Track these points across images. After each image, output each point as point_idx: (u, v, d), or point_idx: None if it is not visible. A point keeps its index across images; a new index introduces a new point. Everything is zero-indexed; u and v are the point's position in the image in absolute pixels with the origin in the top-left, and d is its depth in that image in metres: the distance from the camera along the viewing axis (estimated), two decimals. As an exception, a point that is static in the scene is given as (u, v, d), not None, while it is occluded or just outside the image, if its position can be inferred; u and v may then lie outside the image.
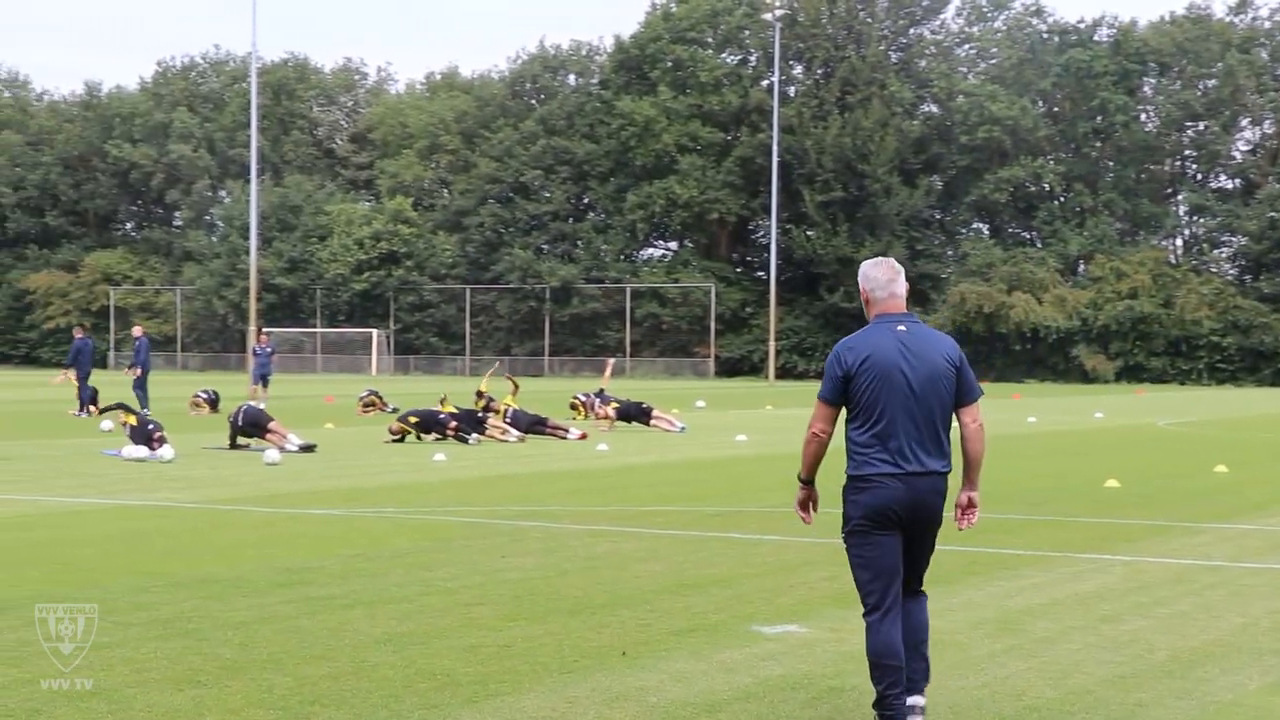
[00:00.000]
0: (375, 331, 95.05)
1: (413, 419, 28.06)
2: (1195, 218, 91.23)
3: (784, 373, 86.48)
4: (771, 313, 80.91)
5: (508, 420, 29.22)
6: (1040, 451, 27.13)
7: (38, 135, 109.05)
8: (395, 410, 35.63)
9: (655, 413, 32.17)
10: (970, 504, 7.34)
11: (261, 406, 38.85)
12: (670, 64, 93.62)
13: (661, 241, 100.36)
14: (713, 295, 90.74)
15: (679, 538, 14.19)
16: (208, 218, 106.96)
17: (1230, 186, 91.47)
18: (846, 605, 10.51)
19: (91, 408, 36.48)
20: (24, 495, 17.70)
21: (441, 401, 29.17)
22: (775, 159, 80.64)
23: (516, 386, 32.04)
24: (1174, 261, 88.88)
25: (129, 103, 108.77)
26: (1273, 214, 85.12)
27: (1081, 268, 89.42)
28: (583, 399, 35.63)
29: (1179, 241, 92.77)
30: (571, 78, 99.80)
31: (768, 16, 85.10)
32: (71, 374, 37.71)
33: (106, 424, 30.21)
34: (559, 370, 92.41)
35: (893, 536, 7.10)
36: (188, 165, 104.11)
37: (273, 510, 16.30)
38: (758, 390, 65.91)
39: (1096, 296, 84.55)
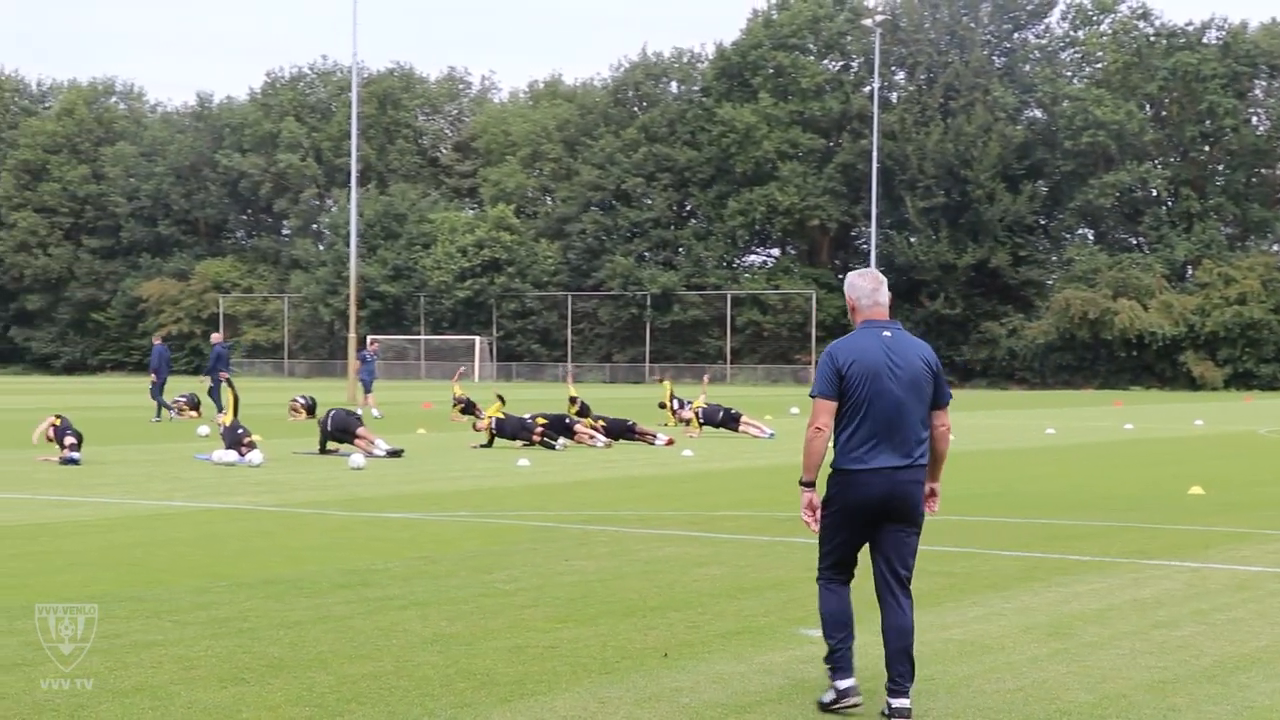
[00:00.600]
0: (478, 338, 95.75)
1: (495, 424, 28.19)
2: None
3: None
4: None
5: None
6: (1131, 459, 26.84)
7: (151, 146, 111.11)
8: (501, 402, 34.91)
9: (744, 419, 32.18)
10: (932, 493, 7.95)
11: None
12: (771, 70, 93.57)
13: (762, 248, 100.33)
14: (813, 302, 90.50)
15: (745, 542, 14.24)
16: (315, 226, 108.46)
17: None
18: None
19: (169, 411, 37.32)
20: (114, 498, 18.11)
21: (500, 400, 29.26)
22: (875, 165, 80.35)
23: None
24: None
25: (239, 113, 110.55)
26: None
27: (1189, 273, 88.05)
28: (676, 406, 35.64)
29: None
30: (673, 85, 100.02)
31: (867, 22, 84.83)
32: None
33: (204, 429, 30.79)
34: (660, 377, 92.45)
35: (864, 529, 7.74)
36: (295, 174, 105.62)
37: (349, 514, 16.56)
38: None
39: (1204, 302, 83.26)
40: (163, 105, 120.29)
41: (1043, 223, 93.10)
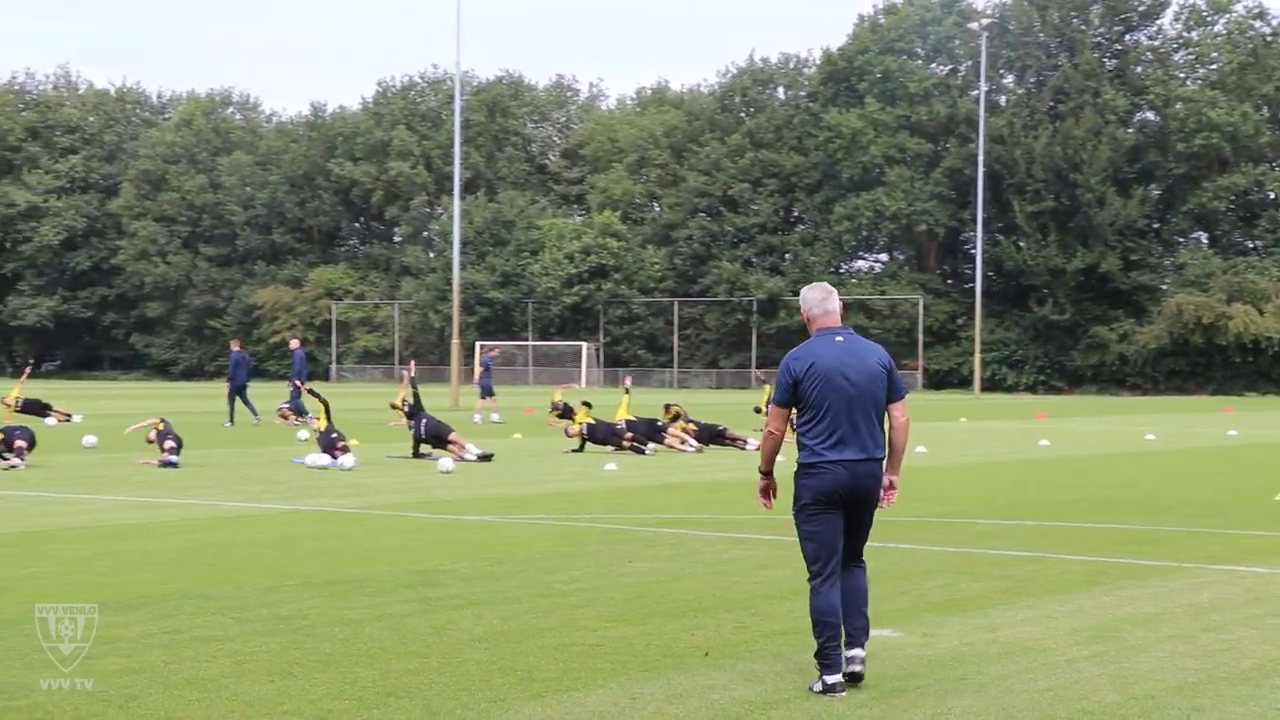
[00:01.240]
0: (585, 344, 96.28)
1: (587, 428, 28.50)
2: None
3: (992, 385, 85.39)
4: (976, 324, 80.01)
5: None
6: (1224, 465, 26.54)
7: (266, 155, 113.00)
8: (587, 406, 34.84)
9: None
10: (891, 485, 8.57)
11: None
12: (878, 75, 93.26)
13: (869, 253, 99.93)
14: (920, 307, 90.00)
15: (812, 546, 14.31)
16: (425, 233, 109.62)
17: None
18: (949, 611, 10.64)
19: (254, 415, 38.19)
20: (204, 500, 18.58)
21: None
22: (981, 169, 79.81)
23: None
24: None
25: (351, 122, 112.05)
26: None
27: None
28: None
29: None
30: (780, 90, 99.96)
31: (974, 26, 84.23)
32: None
33: (303, 433, 31.37)
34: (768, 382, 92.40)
35: (836, 515, 8.37)
36: (405, 182, 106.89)
37: (427, 516, 16.87)
38: (960, 403, 65.20)
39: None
40: (277, 115, 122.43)
41: (1155, 227, 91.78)
